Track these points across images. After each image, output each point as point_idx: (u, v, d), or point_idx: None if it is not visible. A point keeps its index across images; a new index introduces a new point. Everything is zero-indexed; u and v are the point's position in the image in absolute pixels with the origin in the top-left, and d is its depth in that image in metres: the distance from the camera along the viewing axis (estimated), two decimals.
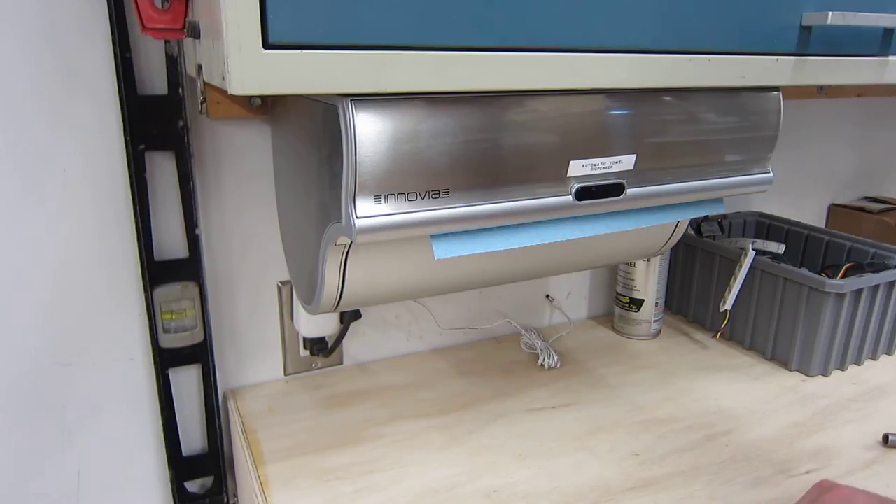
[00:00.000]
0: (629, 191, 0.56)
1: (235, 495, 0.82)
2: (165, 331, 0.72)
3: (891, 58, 0.61)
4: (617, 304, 0.98)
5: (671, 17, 0.49)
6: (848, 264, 0.91)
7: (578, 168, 0.53)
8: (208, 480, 0.80)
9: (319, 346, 0.81)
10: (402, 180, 0.46)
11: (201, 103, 0.61)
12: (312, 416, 0.76)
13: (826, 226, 1.28)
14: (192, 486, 0.79)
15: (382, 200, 0.46)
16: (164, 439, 0.76)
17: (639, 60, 0.49)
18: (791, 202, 1.21)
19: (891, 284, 0.86)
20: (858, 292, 0.83)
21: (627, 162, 0.55)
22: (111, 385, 0.75)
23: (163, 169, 0.70)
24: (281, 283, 0.80)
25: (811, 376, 0.85)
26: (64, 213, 0.68)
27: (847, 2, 0.54)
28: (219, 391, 0.78)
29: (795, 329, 0.84)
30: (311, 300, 0.61)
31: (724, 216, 1.06)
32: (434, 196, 0.48)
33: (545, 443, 0.70)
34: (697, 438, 0.71)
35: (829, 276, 0.83)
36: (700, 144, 0.59)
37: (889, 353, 0.92)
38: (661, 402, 0.78)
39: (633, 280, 0.94)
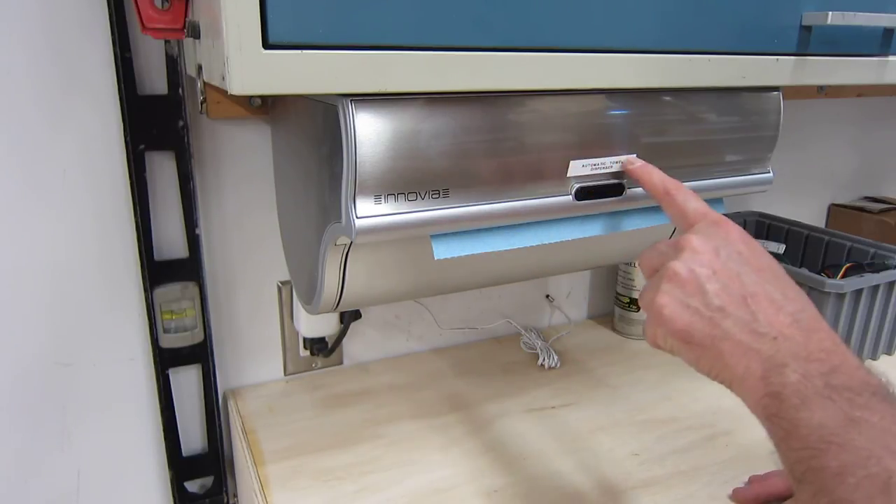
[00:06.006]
0: (629, 191, 0.56)
1: (235, 495, 0.82)
2: (165, 331, 0.72)
3: (891, 58, 0.61)
4: (617, 304, 0.98)
5: (671, 17, 0.49)
6: (848, 264, 0.91)
7: (578, 168, 0.53)
8: (208, 480, 0.80)
9: (319, 346, 0.81)
10: (402, 180, 0.46)
11: (201, 103, 0.61)
12: (312, 416, 0.76)
13: (826, 226, 1.28)
14: (192, 486, 0.79)
15: (382, 200, 0.46)
16: (164, 439, 0.76)
17: (639, 60, 0.49)
18: (791, 202, 1.21)
19: (891, 284, 0.86)
20: (858, 292, 0.83)
21: None
22: (111, 385, 0.75)
23: (163, 169, 0.70)
24: (281, 283, 0.80)
25: None
26: (64, 213, 0.68)
27: (847, 2, 0.55)
28: (219, 391, 0.78)
29: None
30: (311, 300, 0.61)
31: (724, 216, 1.06)
32: (434, 196, 0.48)
33: (545, 443, 0.70)
34: (697, 438, 0.71)
35: (829, 276, 0.83)
36: (700, 144, 0.59)
37: (889, 353, 0.92)
38: (661, 402, 0.78)
39: (632, 280, 0.94)
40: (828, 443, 0.33)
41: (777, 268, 0.42)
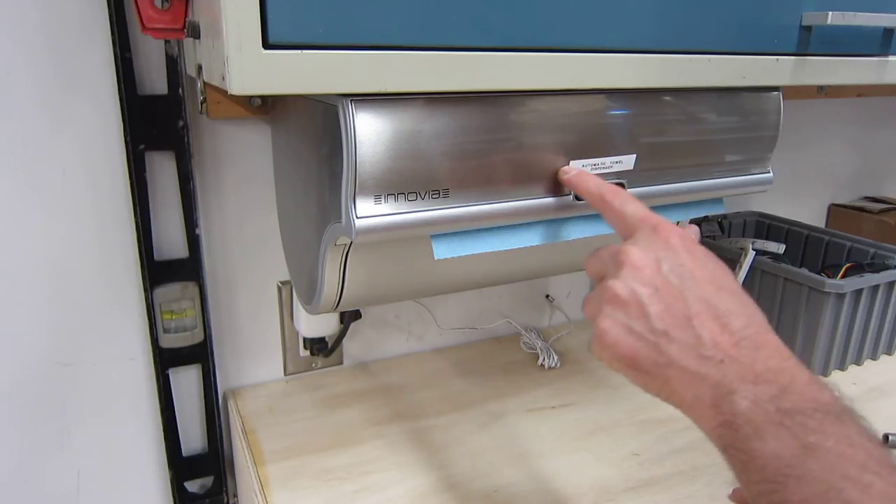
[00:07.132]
0: (629, 191, 0.56)
1: (235, 495, 0.82)
2: (165, 331, 0.72)
3: (891, 58, 0.61)
4: None
5: (671, 16, 0.49)
6: (848, 264, 0.91)
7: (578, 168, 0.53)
8: (208, 480, 0.80)
9: (319, 346, 0.81)
10: (401, 180, 0.46)
11: (201, 103, 0.61)
12: (312, 416, 0.76)
13: (826, 226, 1.28)
14: (192, 486, 0.79)
15: (382, 200, 0.46)
16: (164, 439, 0.76)
17: (639, 60, 0.49)
18: (791, 202, 1.21)
19: (891, 284, 0.86)
20: (858, 292, 0.83)
21: (627, 162, 0.55)
22: (111, 385, 0.75)
23: (163, 169, 0.70)
24: (281, 283, 0.80)
25: None
26: (64, 213, 0.68)
27: (847, 2, 0.55)
28: (219, 391, 0.78)
29: (795, 329, 0.84)
30: (311, 300, 0.61)
31: (724, 216, 1.06)
32: (434, 196, 0.48)
33: (545, 443, 0.70)
34: (697, 438, 0.71)
35: (829, 276, 0.83)
36: (700, 144, 0.59)
37: (889, 353, 0.92)
38: (661, 402, 0.78)
39: None
40: (786, 476, 0.33)
41: (722, 275, 0.41)
